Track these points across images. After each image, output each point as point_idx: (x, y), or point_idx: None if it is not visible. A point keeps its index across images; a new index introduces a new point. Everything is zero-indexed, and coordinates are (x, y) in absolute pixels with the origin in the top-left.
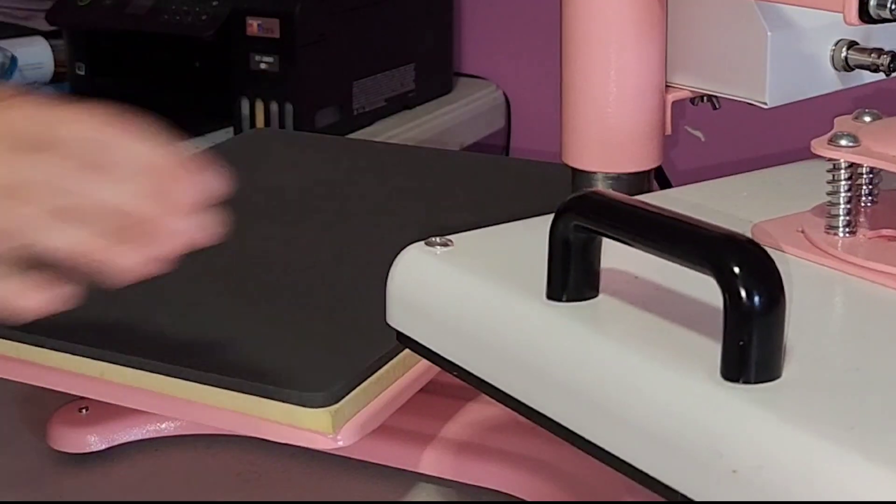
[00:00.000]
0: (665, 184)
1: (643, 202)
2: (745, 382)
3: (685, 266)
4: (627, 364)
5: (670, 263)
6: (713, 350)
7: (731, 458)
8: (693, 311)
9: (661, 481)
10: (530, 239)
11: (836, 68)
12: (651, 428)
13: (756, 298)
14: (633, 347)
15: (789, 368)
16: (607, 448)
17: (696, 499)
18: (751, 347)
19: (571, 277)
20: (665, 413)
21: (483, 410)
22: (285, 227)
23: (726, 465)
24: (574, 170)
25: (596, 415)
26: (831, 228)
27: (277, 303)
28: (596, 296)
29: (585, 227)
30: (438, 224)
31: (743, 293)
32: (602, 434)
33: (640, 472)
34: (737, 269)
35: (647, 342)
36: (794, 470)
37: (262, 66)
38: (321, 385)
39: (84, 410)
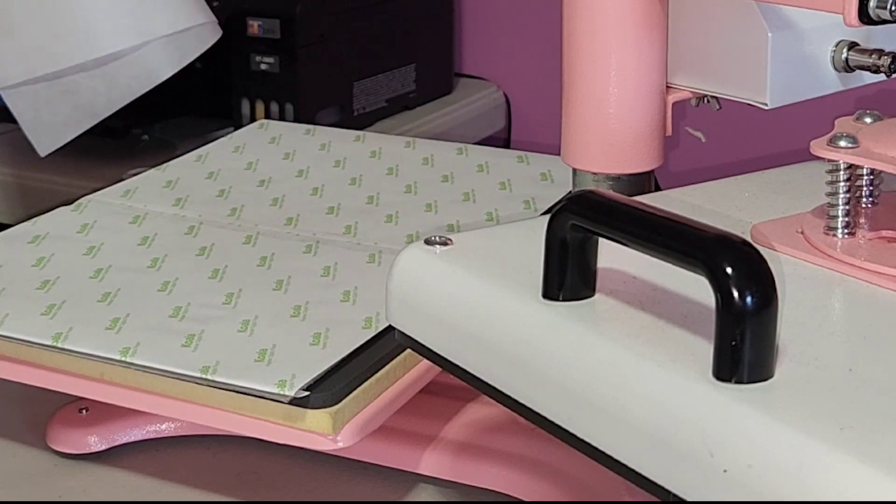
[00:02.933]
0: (655, 186)
1: (640, 202)
2: (738, 382)
3: (678, 266)
4: (621, 363)
5: (667, 263)
6: (707, 350)
7: (722, 458)
8: (689, 311)
9: (653, 480)
10: (530, 238)
11: (836, 69)
12: (644, 427)
13: (748, 299)
14: (627, 347)
15: (782, 368)
16: (600, 447)
17: (688, 498)
18: (743, 347)
19: (568, 277)
20: (658, 412)
21: (482, 411)
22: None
23: (717, 464)
24: (574, 170)
25: (589, 413)
26: (830, 229)
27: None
28: (592, 295)
29: (581, 227)
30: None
31: (735, 293)
32: (595, 432)
33: (633, 471)
34: (729, 270)
35: (642, 342)
36: (784, 469)
37: (263, 66)
38: (321, 386)
39: (84, 411)
